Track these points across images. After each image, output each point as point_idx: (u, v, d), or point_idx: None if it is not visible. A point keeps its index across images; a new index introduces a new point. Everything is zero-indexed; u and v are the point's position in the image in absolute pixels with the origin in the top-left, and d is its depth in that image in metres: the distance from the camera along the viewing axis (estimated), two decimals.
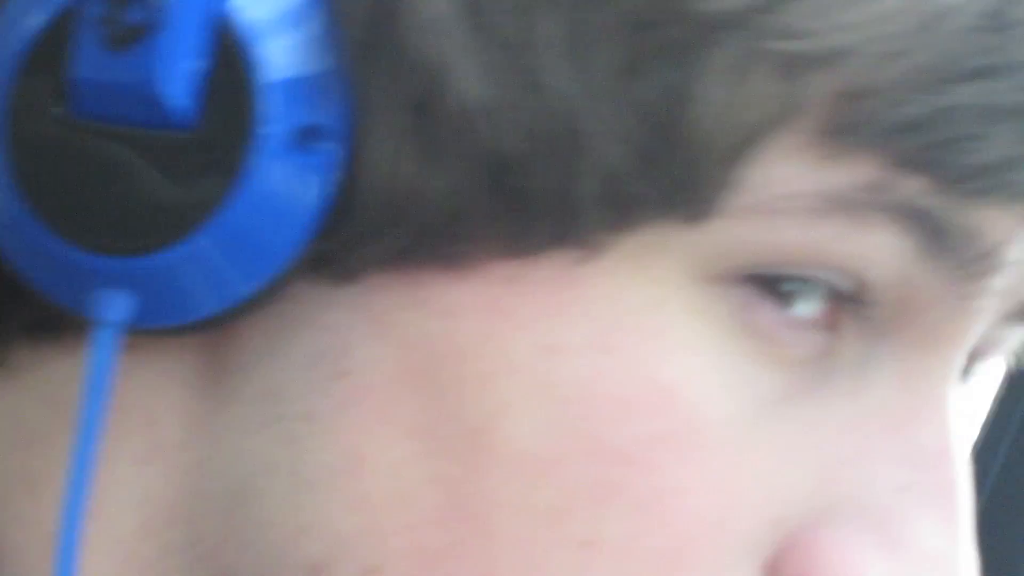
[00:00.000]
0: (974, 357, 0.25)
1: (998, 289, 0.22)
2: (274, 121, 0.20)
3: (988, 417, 0.75)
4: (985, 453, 0.74)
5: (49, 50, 0.19)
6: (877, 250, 0.21)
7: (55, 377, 0.23)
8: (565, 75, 0.20)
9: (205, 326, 0.22)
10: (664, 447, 0.21)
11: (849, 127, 0.21)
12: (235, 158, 0.20)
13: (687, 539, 0.21)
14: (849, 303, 0.22)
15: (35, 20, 0.19)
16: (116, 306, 0.21)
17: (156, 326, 0.21)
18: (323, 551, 0.22)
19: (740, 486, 0.22)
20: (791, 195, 0.21)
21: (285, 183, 0.20)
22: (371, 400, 0.22)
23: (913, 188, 0.21)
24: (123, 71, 0.19)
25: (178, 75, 0.19)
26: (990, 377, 0.28)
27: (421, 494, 0.22)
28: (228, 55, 0.20)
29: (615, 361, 0.21)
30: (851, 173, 0.21)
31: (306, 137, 0.20)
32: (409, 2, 0.20)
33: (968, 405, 0.26)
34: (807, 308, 0.22)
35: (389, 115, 0.20)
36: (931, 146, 0.21)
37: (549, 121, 0.20)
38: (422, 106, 0.20)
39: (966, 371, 0.25)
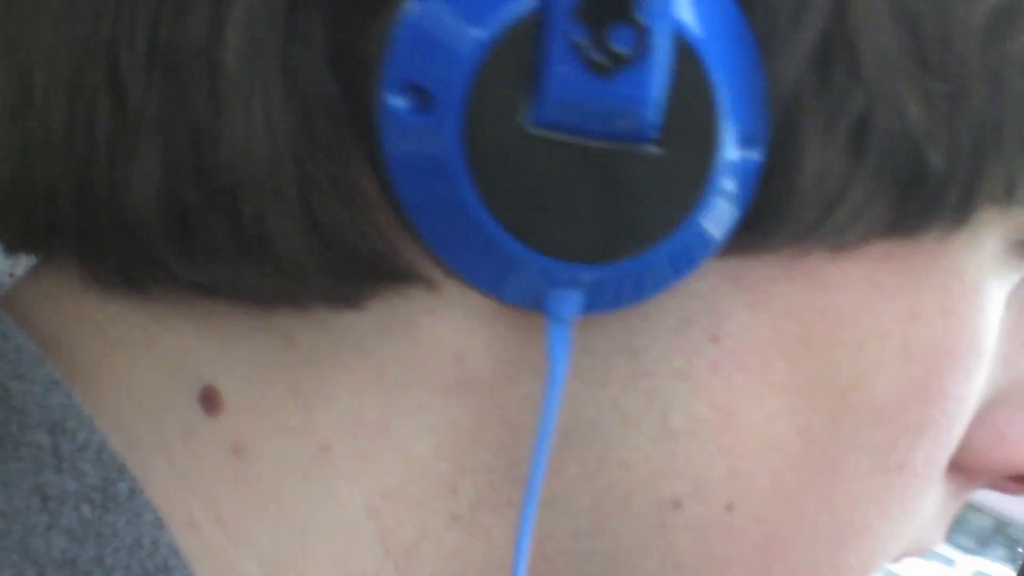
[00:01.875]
0: None
1: None
2: (728, 138, 0.21)
3: None
4: None
5: (507, 59, 0.19)
6: None
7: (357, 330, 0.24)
8: (985, 100, 0.22)
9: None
10: (967, 385, 0.26)
11: None
12: (698, 176, 0.21)
13: (952, 447, 0.27)
14: None
15: (484, 31, 0.19)
16: (570, 304, 0.22)
17: (589, 314, 0.23)
18: (684, 489, 0.25)
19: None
20: None
21: (729, 194, 0.21)
22: (744, 362, 0.24)
23: None
24: (605, 95, 0.20)
25: (658, 98, 0.20)
26: None
27: (786, 442, 0.25)
28: (691, 73, 0.20)
29: (954, 323, 0.25)
30: None
31: (747, 147, 0.21)
32: (863, 31, 0.21)
33: None
34: None
35: (826, 126, 0.22)
36: None
37: (968, 137, 0.23)
38: (863, 122, 0.22)
39: None
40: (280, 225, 0.22)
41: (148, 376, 0.24)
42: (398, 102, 0.20)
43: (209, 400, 0.23)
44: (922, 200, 0.23)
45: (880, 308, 0.24)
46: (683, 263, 0.22)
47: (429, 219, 0.21)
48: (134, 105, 0.21)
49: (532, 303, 0.23)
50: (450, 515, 0.25)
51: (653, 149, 0.20)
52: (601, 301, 0.23)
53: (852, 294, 0.24)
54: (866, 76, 0.21)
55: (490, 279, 0.22)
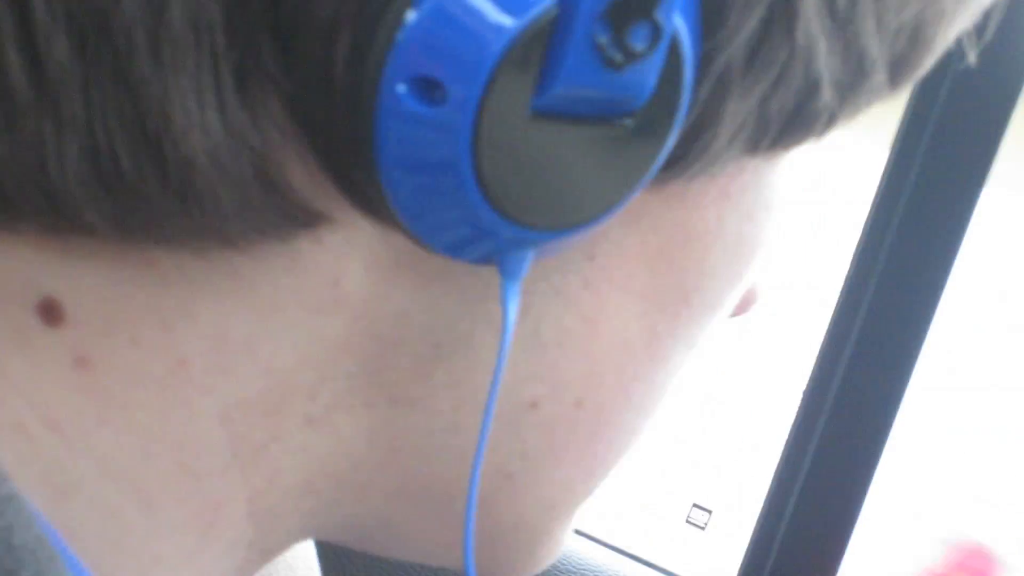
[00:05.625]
0: None
1: None
2: (684, 107, 0.22)
3: None
4: None
5: (525, 53, 0.19)
6: None
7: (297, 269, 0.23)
8: (868, 38, 0.23)
9: None
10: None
11: None
12: (659, 141, 0.22)
13: None
14: None
15: (505, 33, 0.19)
16: (524, 264, 0.23)
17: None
18: (543, 392, 0.26)
19: None
20: None
21: (667, 150, 0.23)
22: (612, 275, 0.26)
23: None
24: (612, 85, 0.20)
25: (653, 84, 0.21)
26: None
27: (635, 342, 0.27)
28: (672, 59, 0.21)
29: (771, 215, 0.28)
30: None
31: (687, 111, 0.23)
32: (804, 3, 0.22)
33: None
34: None
35: (750, 84, 0.23)
36: None
37: (849, 73, 0.24)
38: (781, 76, 0.23)
39: None
40: (216, 186, 0.20)
41: None
42: (403, 94, 0.19)
43: (49, 311, 0.22)
44: (799, 130, 0.24)
45: (726, 215, 0.26)
46: (616, 211, 0.23)
47: (412, 194, 0.21)
48: (53, 60, 0.19)
49: (485, 261, 0.23)
50: (305, 418, 0.25)
51: (628, 122, 0.21)
52: (542, 254, 0.23)
53: (708, 207, 0.26)
54: (797, 40, 0.22)
55: (453, 244, 0.22)
